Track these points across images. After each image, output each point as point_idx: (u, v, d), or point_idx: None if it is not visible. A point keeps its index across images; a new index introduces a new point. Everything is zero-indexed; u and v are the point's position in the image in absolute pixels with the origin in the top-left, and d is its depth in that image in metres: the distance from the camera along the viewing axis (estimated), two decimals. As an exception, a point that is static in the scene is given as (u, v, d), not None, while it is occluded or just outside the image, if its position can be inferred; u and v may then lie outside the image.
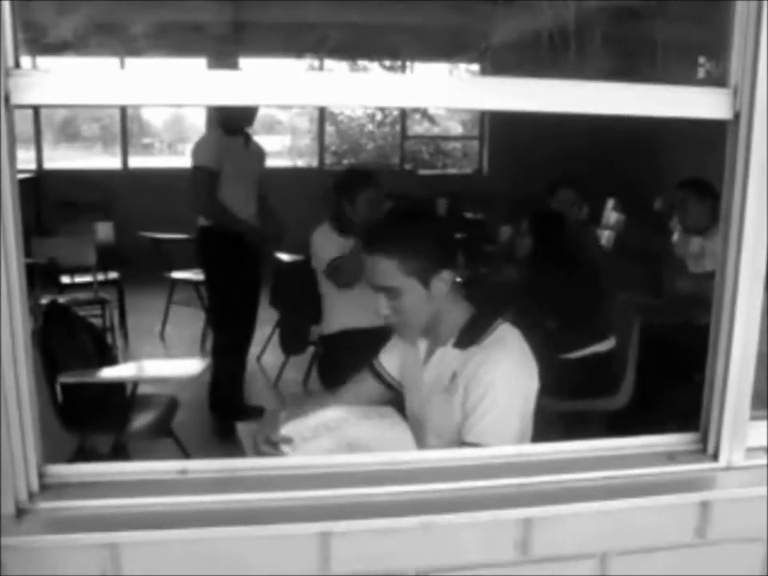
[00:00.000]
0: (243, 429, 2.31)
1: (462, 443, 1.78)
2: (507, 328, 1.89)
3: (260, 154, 4.43)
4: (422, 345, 2.00)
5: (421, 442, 1.92)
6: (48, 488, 1.27)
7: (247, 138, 4.27)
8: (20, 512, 1.24)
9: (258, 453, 1.83)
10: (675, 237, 4.31)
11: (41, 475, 1.27)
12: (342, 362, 2.62)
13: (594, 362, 3.59)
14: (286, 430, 1.81)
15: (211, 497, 1.28)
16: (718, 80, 1.42)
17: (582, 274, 3.61)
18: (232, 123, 4.11)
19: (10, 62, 1.14)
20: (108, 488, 1.28)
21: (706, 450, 1.50)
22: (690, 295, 3.81)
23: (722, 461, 1.48)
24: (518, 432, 1.77)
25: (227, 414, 4.09)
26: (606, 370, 3.64)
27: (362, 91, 1.27)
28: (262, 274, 4.44)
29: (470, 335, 1.87)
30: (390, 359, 2.13)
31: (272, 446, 1.81)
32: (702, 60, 6.90)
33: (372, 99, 1.34)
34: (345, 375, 2.20)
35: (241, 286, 4.25)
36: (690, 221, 4.02)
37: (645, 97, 1.40)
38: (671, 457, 1.46)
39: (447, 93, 1.33)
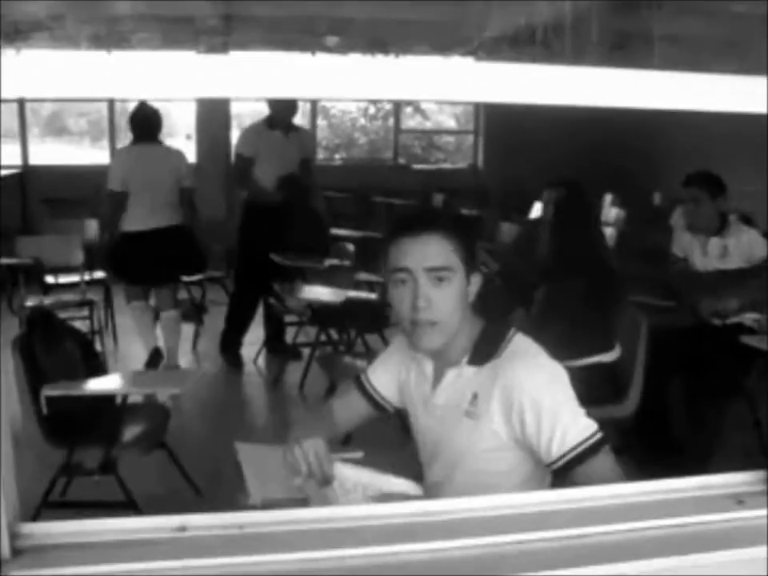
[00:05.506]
0: (243, 449, 2.14)
1: (548, 467, 1.63)
2: (522, 338, 1.77)
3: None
4: (428, 366, 1.85)
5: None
6: (21, 552, 1.06)
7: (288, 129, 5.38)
8: (-12, 582, 1.05)
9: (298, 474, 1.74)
10: (678, 236, 4.12)
11: (13, 536, 1.07)
12: None
13: (598, 370, 3.42)
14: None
15: (215, 560, 1.08)
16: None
17: (601, 275, 3.46)
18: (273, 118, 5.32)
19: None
20: (92, 550, 1.07)
21: (776, 491, 1.31)
22: (708, 295, 3.67)
23: (797, 505, 1.29)
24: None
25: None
26: (612, 377, 3.49)
27: (356, 82, 1.03)
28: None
29: (486, 350, 1.73)
30: (380, 377, 2.00)
31: (321, 481, 1.72)
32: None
33: (366, 91, 1.08)
34: None
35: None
36: (703, 222, 3.86)
37: (684, 87, 1.17)
38: (739, 500, 1.27)
39: (446, 84, 1.08)
